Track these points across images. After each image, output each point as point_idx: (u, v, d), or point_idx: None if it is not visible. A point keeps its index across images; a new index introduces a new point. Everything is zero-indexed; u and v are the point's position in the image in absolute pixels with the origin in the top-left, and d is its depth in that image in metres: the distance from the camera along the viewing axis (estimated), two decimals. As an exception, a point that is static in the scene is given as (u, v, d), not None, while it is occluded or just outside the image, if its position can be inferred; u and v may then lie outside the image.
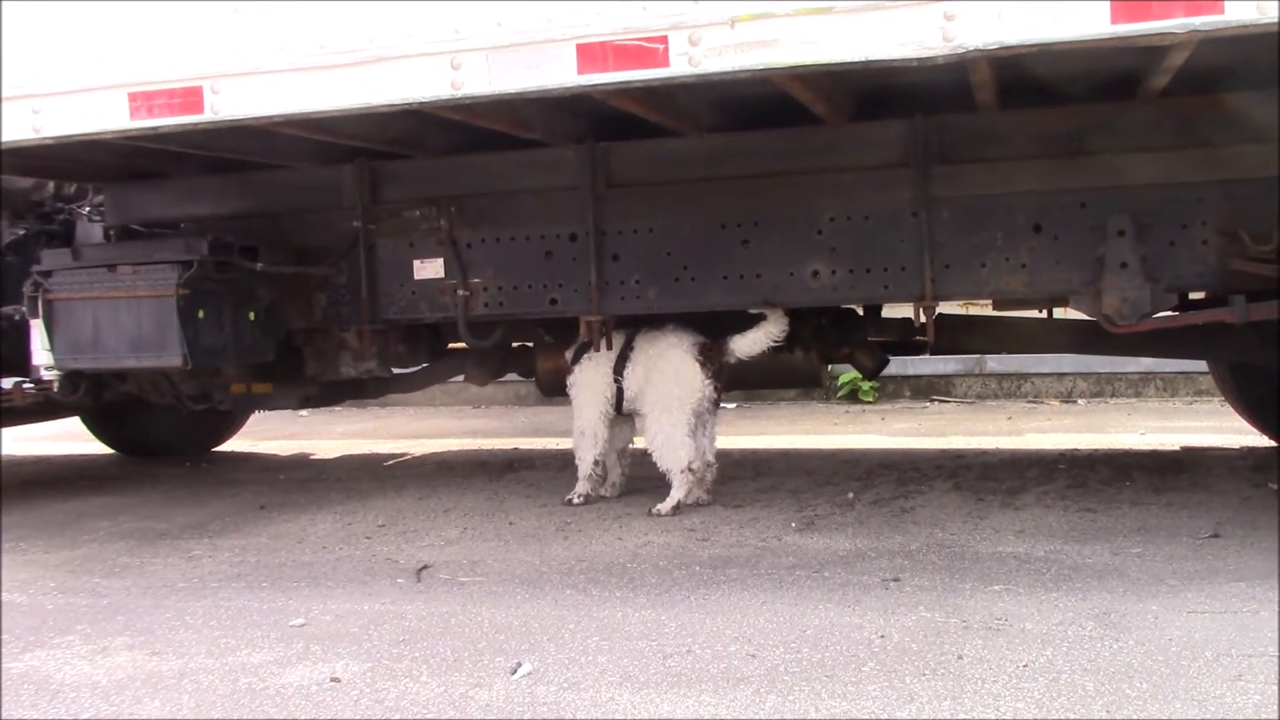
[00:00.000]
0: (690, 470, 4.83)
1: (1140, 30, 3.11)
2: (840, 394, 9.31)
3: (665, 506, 4.80)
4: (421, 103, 3.76)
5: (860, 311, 5.54)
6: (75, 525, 5.18)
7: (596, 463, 5.10)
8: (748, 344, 4.88)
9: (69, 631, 3.53)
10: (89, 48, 4.04)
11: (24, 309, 5.03)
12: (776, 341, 4.89)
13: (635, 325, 5.08)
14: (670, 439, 4.83)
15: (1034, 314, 5.39)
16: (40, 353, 5.02)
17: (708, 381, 4.86)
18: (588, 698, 2.80)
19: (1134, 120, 4.41)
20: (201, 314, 4.83)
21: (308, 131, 4.44)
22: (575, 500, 5.07)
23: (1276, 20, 3.01)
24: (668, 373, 4.88)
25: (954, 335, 5.43)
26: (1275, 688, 2.67)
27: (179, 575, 4.18)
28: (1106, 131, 4.44)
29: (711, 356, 4.88)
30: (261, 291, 5.16)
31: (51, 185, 6.04)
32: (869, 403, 9.20)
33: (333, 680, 2.98)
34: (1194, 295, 4.98)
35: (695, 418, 4.87)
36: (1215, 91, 4.27)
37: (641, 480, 5.25)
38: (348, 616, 3.54)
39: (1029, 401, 9.04)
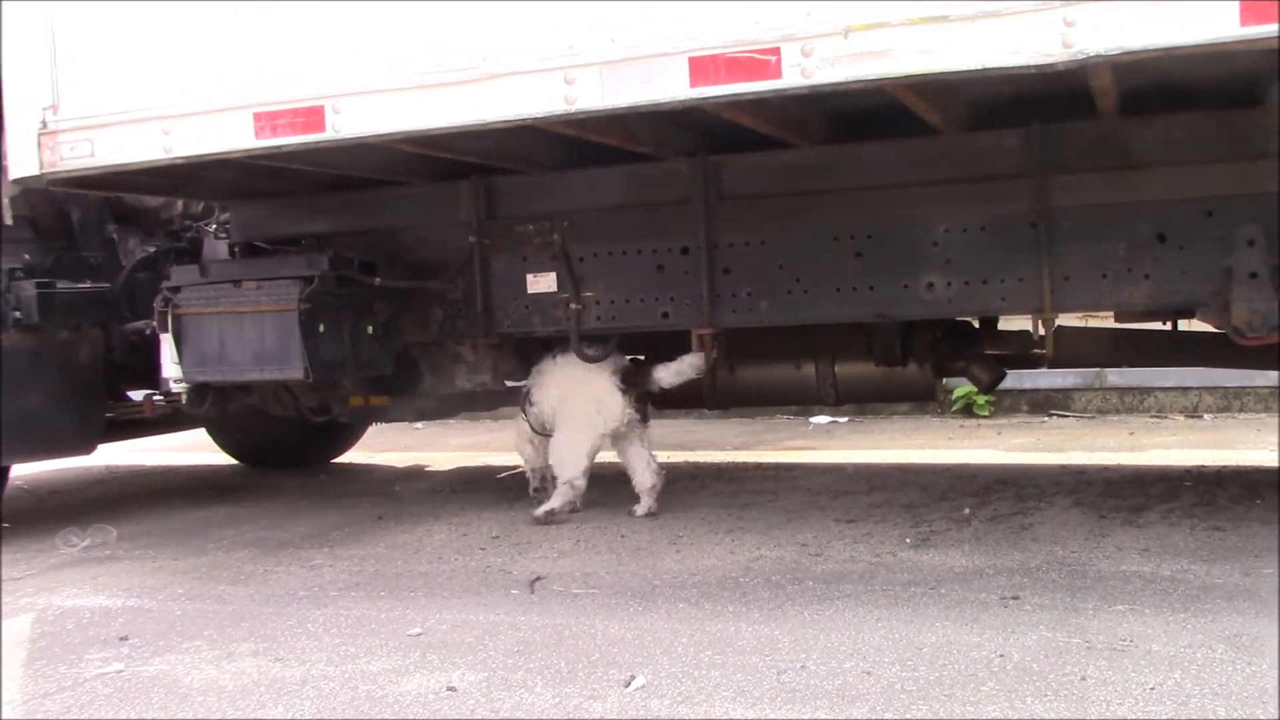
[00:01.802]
0: (573, 485, 5.15)
1: (1272, 32, 3.01)
2: (955, 408, 9.15)
3: (541, 511, 5.13)
4: (535, 118, 3.81)
5: (976, 324, 5.45)
6: (201, 534, 5.33)
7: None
8: (670, 374, 5.10)
9: (196, 637, 3.63)
10: (216, 70, 4.19)
11: (154, 324, 5.20)
12: (700, 374, 5.12)
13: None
14: (567, 453, 5.16)
15: (1159, 326, 5.25)
16: (169, 366, 5.20)
17: (628, 408, 5.12)
18: (701, 712, 2.79)
19: (1262, 126, 4.26)
20: (322, 328, 4.95)
21: (424, 148, 4.52)
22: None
23: None
24: (587, 395, 5.12)
25: (1076, 349, 5.31)
26: None
27: (300, 583, 4.28)
28: (1233, 138, 4.30)
29: (633, 383, 5.12)
30: (379, 306, 5.27)
31: (180, 204, 6.24)
32: (984, 417, 9.02)
33: (449, 690, 3.02)
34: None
35: (613, 439, 5.18)
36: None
37: (751, 494, 5.21)
38: (463, 626, 3.58)
39: (1152, 416, 8.78)
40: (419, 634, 3.52)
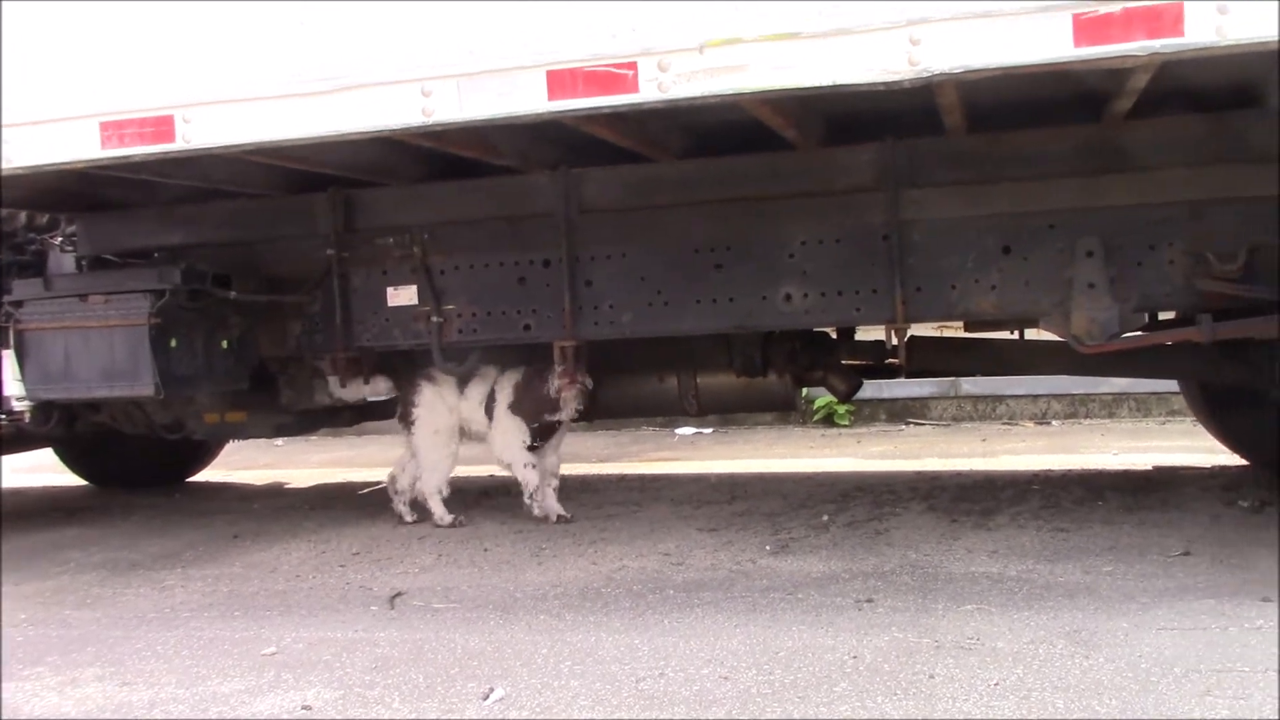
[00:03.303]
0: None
1: (1102, 53, 3.15)
2: (816, 418, 9.33)
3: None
4: (393, 130, 3.78)
5: (833, 335, 5.58)
6: (47, 557, 5.14)
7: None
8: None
9: (38, 663, 3.50)
10: (60, 77, 4.04)
11: (-5, 340, 5.01)
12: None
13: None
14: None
15: (1006, 335, 5.43)
16: (11, 383, 5.00)
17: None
18: (560, 722, 2.79)
19: (1100, 143, 4.45)
20: (174, 343, 4.82)
21: (280, 160, 4.45)
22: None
23: (1235, 43, 3.06)
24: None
25: (927, 357, 5.46)
26: (1243, 702, 2.69)
27: (150, 605, 4.16)
28: (1073, 154, 4.48)
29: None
30: (235, 320, 5.16)
31: (23, 216, 6.01)
32: (845, 426, 9.22)
33: (304, 708, 2.97)
34: (1164, 315, 5.03)
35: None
36: (1179, 114, 4.33)
37: (615, 506, 5.25)
38: (320, 644, 3.52)
39: (1004, 423, 9.08)
40: (274, 653, 3.46)
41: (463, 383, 5.28)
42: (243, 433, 5.94)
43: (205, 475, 7.57)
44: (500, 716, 2.85)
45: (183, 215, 5.46)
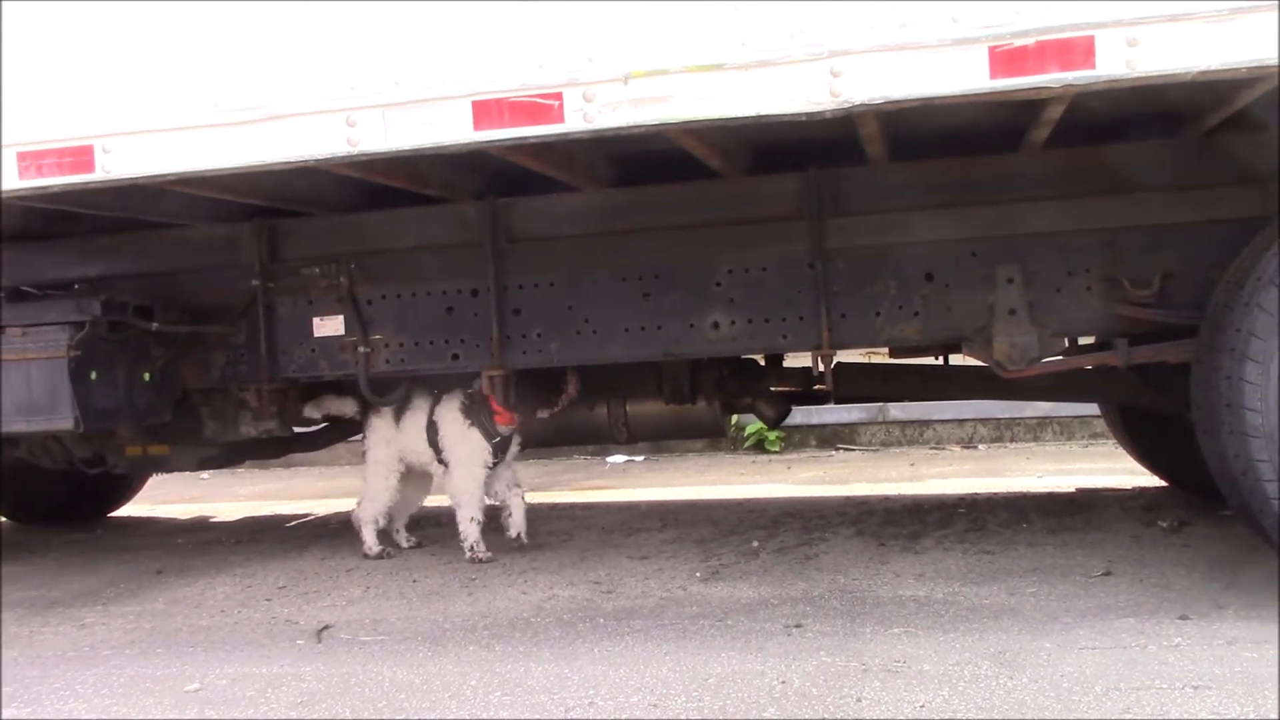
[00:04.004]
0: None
1: (1017, 85, 3.23)
2: (747, 444, 9.38)
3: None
4: (318, 160, 3.75)
5: (762, 362, 5.62)
6: (-38, 596, 5.02)
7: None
8: None
9: (-48, 705, 3.41)
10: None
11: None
12: None
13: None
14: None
15: (931, 361, 5.51)
16: (-74, 419, 4.87)
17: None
18: (488, 754, 2.78)
19: (1019, 171, 4.54)
20: (94, 375, 4.73)
21: (203, 190, 4.40)
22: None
23: (1144, 75, 3.15)
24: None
25: (855, 383, 5.52)
26: None
27: (69, 644, 4.07)
28: (993, 183, 4.57)
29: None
30: (157, 351, 5.08)
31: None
32: (775, 452, 9.28)
33: (228, 745, 2.92)
34: (1084, 340, 5.13)
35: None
36: (1095, 143, 4.43)
37: (546, 535, 5.24)
38: (244, 680, 3.47)
39: (931, 448, 9.19)
40: (197, 689, 3.40)
41: (397, 414, 5.22)
42: (166, 466, 5.83)
43: (128, 510, 7.42)
44: (428, 750, 2.83)
45: (104, 246, 5.38)
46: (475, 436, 5.05)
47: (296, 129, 3.72)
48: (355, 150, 3.68)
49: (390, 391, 5.20)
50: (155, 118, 3.82)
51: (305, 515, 6.95)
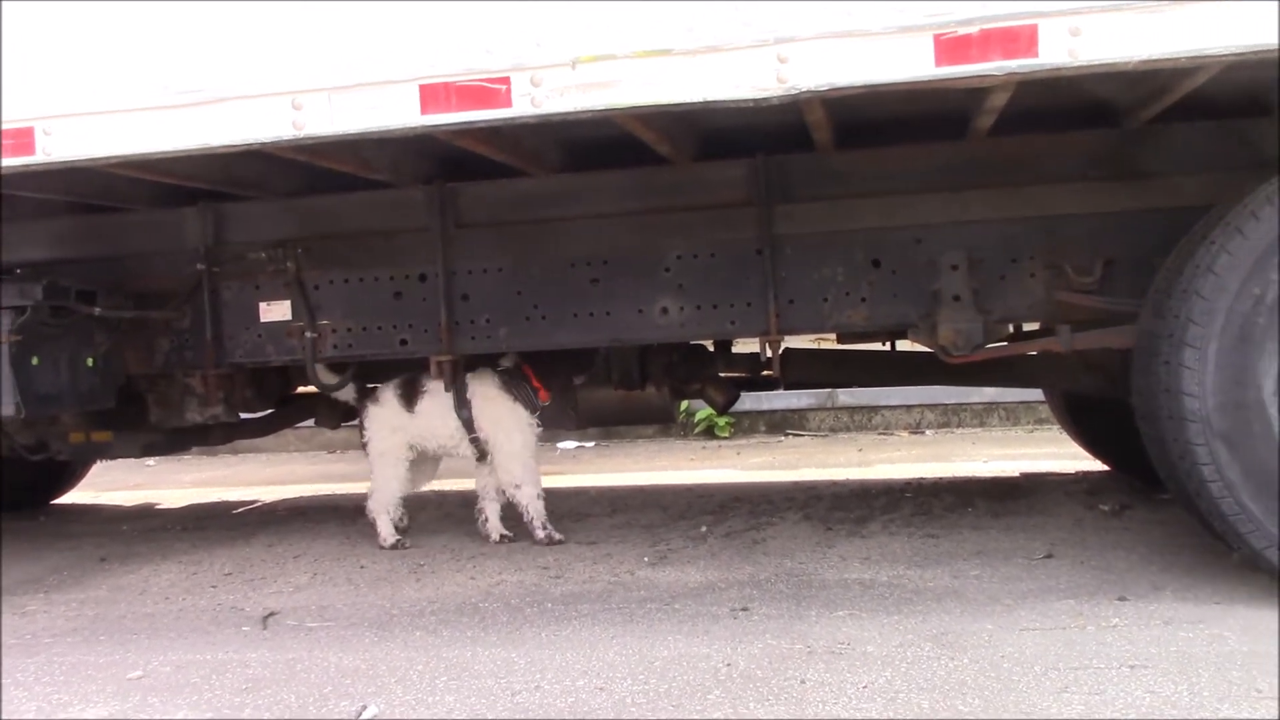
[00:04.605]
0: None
1: (961, 73, 3.26)
2: (697, 430, 9.42)
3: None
4: (263, 143, 3.72)
5: (711, 347, 5.64)
6: (-100, 584, 4.94)
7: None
8: None
9: (-111, 694, 3.36)
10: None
11: None
12: None
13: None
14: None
15: (878, 347, 5.56)
16: None
17: None
18: (434, 738, 2.78)
19: (964, 159, 4.59)
20: (35, 361, 4.66)
21: (147, 173, 4.35)
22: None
23: (1086, 64, 3.19)
24: None
25: (803, 369, 5.56)
26: (1098, 698, 2.80)
27: (9, 632, 4.01)
28: (937, 170, 4.61)
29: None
30: (100, 337, 5.02)
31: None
32: (725, 438, 9.32)
33: (171, 732, 2.91)
34: (1028, 326, 5.20)
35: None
36: (1040, 131, 4.48)
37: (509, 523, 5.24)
38: (189, 667, 3.45)
39: (879, 433, 9.27)
40: (140, 677, 3.37)
41: (405, 400, 5.06)
42: (110, 452, 5.77)
43: (72, 497, 7.33)
44: (373, 734, 2.83)
45: (47, 230, 5.30)
46: (521, 412, 4.98)
47: (241, 112, 3.68)
48: (301, 134, 3.65)
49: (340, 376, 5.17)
50: (97, 100, 3.77)
51: (252, 502, 6.89)
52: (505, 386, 4.99)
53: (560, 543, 4.93)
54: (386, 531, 5.08)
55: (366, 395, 5.19)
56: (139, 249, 5.26)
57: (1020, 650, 3.19)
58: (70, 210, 5.18)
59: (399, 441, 5.09)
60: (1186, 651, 3.12)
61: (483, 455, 5.05)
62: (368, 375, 5.39)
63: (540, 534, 4.95)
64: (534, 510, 4.97)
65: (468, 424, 4.99)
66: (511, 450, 4.98)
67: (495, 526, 5.10)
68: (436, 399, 5.01)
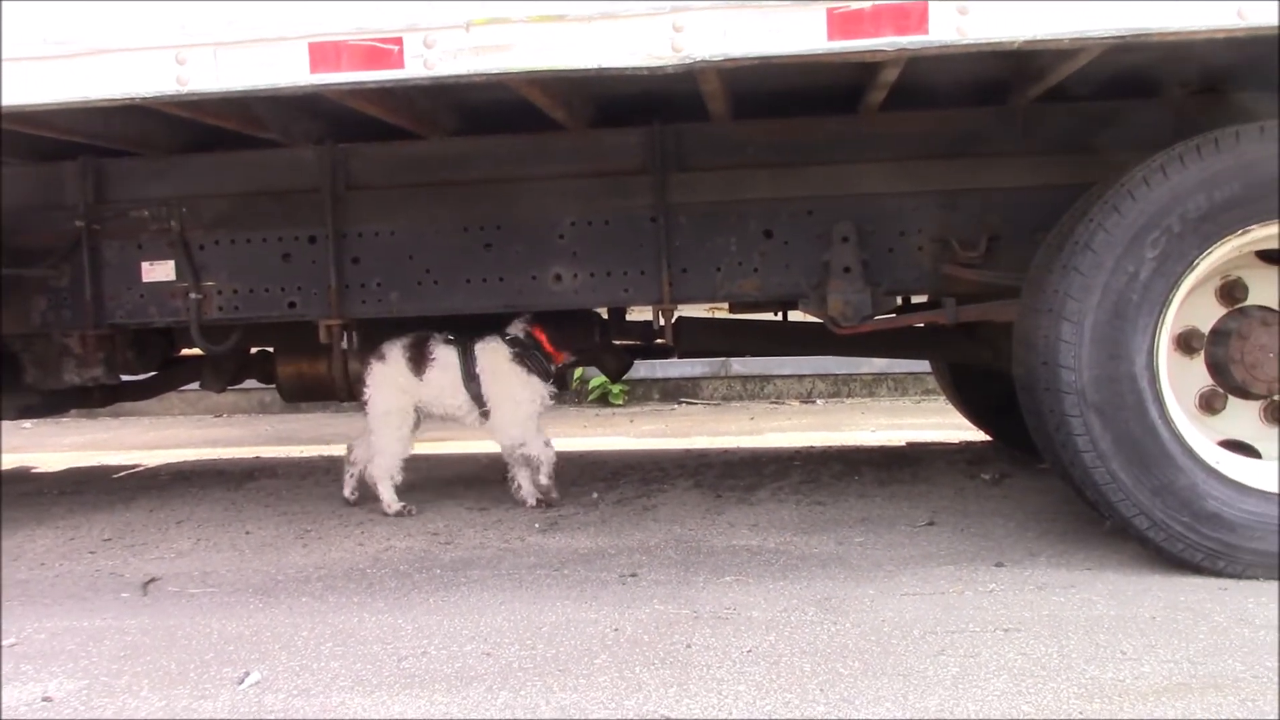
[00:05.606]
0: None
1: (853, 47, 3.30)
2: (591, 397, 9.43)
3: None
4: (145, 98, 3.61)
5: (604, 315, 5.64)
6: None
7: None
8: None
9: None
10: None
11: None
12: None
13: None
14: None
15: (770, 317, 5.62)
16: None
17: None
18: (317, 703, 2.76)
19: (856, 133, 4.65)
20: (-97, 319, 4.50)
21: (24, 126, 4.20)
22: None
23: (974, 42, 3.25)
24: None
25: (696, 338, 5.60)
26: (972, 660, 2.88)
27: (-125, 599, 3.89)
28: (831, 143, 4.66)
29: None
30: (-29, 295, 4.85)
31: None
32: (619, 406, 9.35)
33: (44, 700, 2.84)
34: (916, 299, 5.30)
35: None
36: (930, 108, 4.56)
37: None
38: (64, 634, 3.37)
39: (771, 402, 9.39)
40: (13, 644, 3.29)
41: (414, 364, 4.87)
42: (-16, 414, 5.59)
43: (-57, 461, 7.10)
44: (257, 699, 2.80)
45: (-85, 183, 5.10)
46: (534, 381, 4.89)
47: (122, 65, 3.57)
48: (184, 89, 3.55)
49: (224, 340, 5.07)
50: (-31, 48, 3.63)
51: (134, 466, 6.74)
52: (518, 357, 4.88)
53: (557, 504, 4.96)
54: (390, 498, 4.91)
55: (370, 352, 4.97)
56: (15, 204, 5.07)
57: (900, 614, 3.27)
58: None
59: (406, 403, 4.92)
60: (1058, 615, 3.23)
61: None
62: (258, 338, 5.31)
63: (545, 481, 4.96)
64: (544, 458, 4.96)
65: (477, 398, 4.90)
66: (515, 417, 4.92)
67: (530, 491, 5.00)
68: (448, 366, 4.87)
